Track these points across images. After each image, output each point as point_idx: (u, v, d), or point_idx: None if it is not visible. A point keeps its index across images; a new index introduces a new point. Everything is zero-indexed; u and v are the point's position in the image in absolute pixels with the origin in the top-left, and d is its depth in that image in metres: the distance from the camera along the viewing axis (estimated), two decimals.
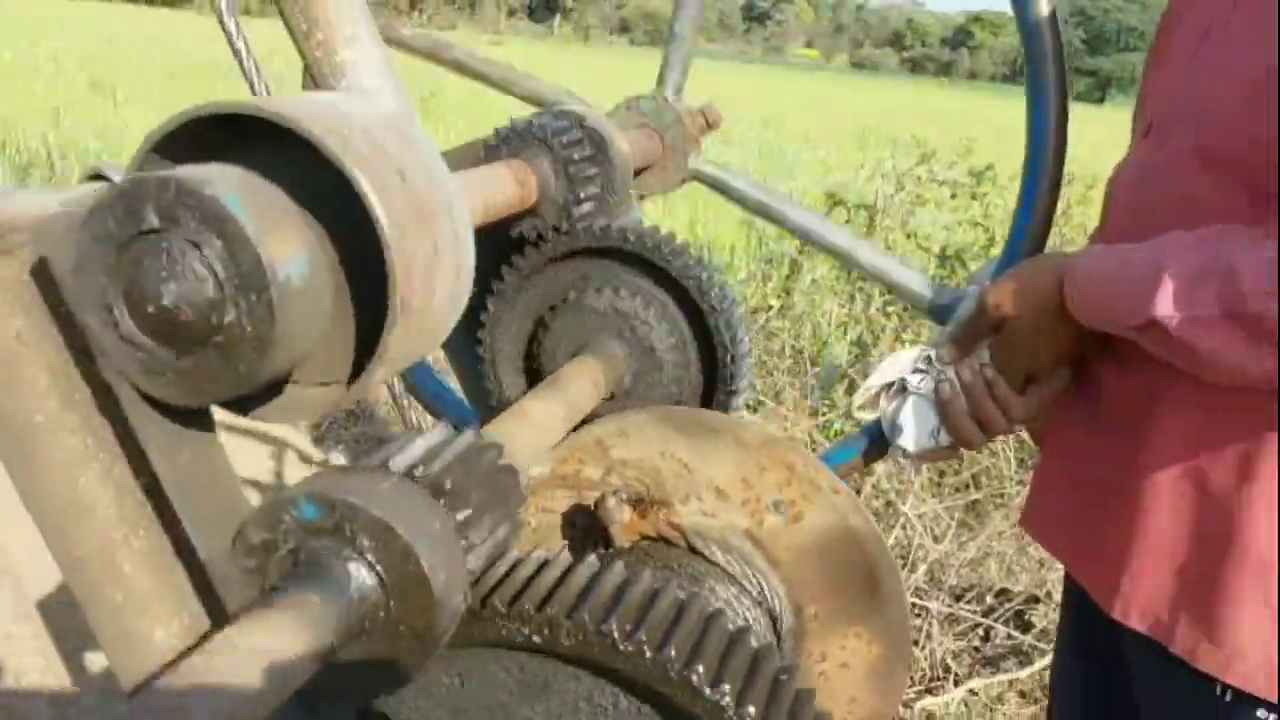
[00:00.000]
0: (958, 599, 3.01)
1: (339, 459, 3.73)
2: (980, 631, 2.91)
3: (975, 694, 2.73)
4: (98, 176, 0.64)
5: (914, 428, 1.05)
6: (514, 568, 0.58)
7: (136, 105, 10.29)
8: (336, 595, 0.50)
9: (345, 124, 0.52)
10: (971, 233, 3.57)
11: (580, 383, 0.81)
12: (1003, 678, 2.74)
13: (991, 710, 2.69)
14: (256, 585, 0.52)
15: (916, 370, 1.05)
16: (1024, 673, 2.73)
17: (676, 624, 0.56)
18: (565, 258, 0.88)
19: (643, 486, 0.78)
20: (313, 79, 0.91)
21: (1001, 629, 2.87)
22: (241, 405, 0.55)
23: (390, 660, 0.51)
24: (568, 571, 0.57)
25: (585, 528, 0.79)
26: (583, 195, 0.84)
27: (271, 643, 0.48)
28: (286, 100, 0.53)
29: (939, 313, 1.12)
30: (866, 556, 0.96)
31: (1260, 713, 0.94)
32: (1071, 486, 1.07)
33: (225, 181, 0.47)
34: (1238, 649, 0.93)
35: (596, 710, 0.57)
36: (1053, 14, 1.11)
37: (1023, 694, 2.73)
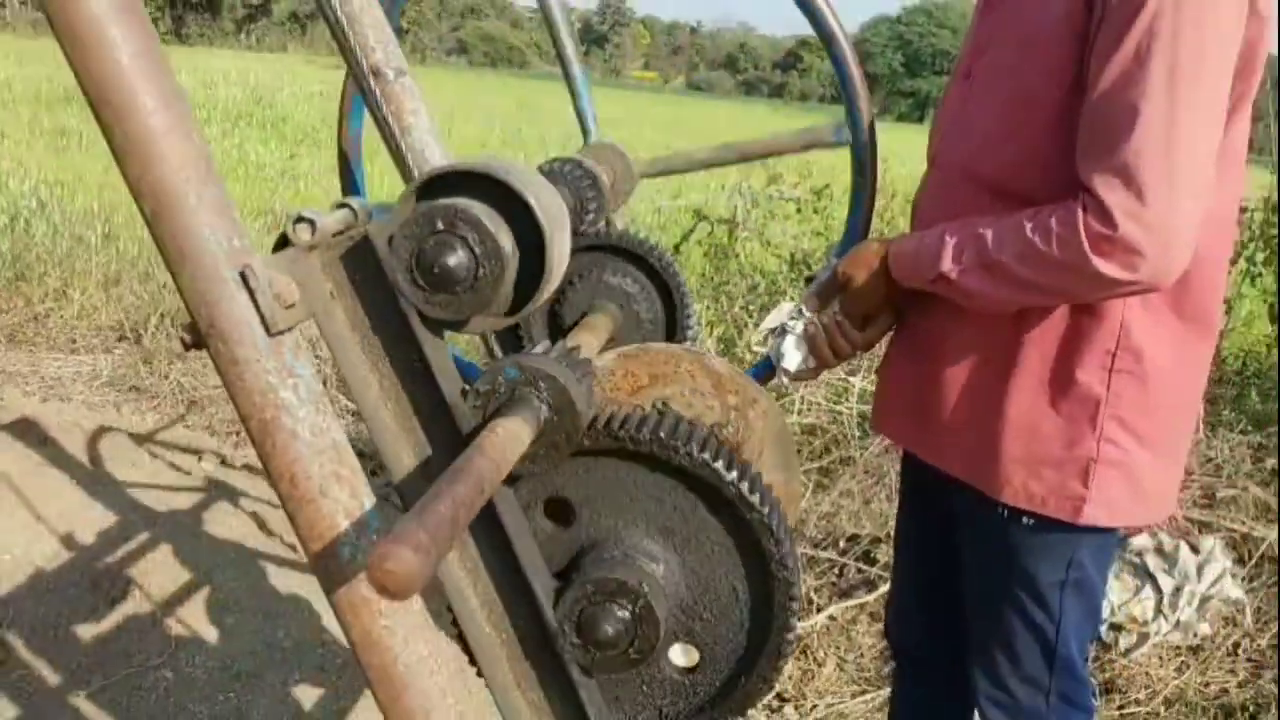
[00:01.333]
0: (816, 545, 3.61)
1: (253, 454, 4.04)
2: (836, 570, 3.51)
3: (834, 619, 3.32)
4: (343, 205, 1.10)
5: (792, 356, 1.58)
6: (692, 427, 1.07)
7: None
8: (529, 415, 0.98)
9: (522, 177, 1.01)
10: (815, 241, 4.23)
11: (596, 331, 1.30)
12: (855, 603, 3.34)
13: (847, 629, 3.28)
14: (480, 415, 1.00)
15: (793, 318, 1.59)
16: (871, 597, 3.34)
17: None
18: (579, 251, 1.38)
19: (736, 442, 1.22)
20: (380, 130, 1.38)
21: (853, 565, 3.48)
22: (462, 325, 1.03)
23: (553, 450, 1.00)
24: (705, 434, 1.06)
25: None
26: (589, 210, 1.34)
27: (501, 440, 0.96)
28: (487, 162, 1.01)
29: (807, 281, 1.68)
30: None
31: (1024, 519, 1.50)
32: (903, 394, 1.63)
33: (478, 208, 0.96)
34: (1009, 479, 1.48)
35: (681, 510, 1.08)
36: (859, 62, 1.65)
37: (872, 615, 3.33)
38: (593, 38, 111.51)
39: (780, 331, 1.58)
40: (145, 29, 0.92)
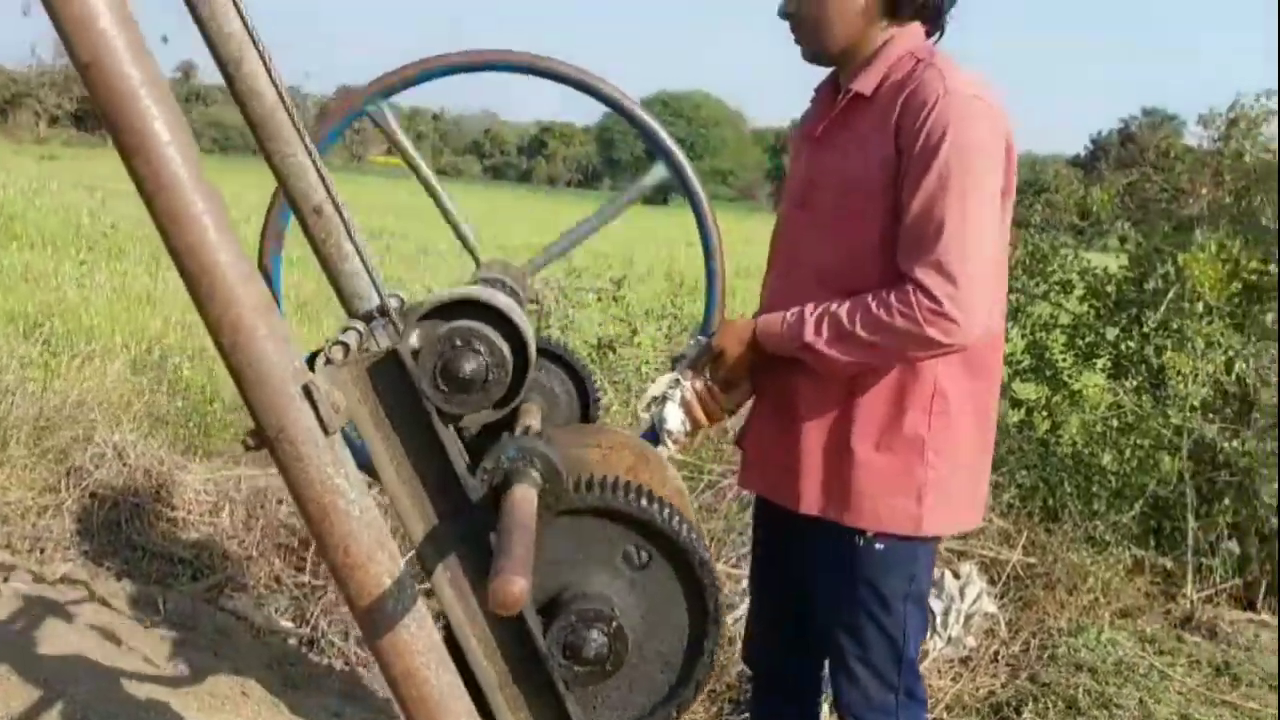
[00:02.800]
0: None
1: (68, 568, 3.89)
2: None
3: None
4: (349, 328, 1.35)
5: (673, 420, 1.92)
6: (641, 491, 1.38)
7: None
8: (529, 484, 1.27)
9: (503, 302, 1.31)
10: (618, 327, 4.66)
11: (532, 417, 1.60)
12: None
13: None
14: (487, 486, 1.28)
15: (671, 387, 1.93)
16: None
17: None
18: None
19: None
20: (319, 256, 1.63)
21: None
22: (460, 419, 1.31)
23: (546, 510, 1.29)
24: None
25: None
26: None
27: (523, 503, 1.24)
28: (476, 290, 1.31)
29: (675, 361, 2.04)
30: None
31: (878, 545, 1.89)
32: (763, 450, 2.01)
33: (484, 326, 1.26)
34: (861, 510, 1.87)
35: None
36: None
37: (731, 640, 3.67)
38: None
39: (661, 400, 1.92)
40: (217, 199, 1.17)
